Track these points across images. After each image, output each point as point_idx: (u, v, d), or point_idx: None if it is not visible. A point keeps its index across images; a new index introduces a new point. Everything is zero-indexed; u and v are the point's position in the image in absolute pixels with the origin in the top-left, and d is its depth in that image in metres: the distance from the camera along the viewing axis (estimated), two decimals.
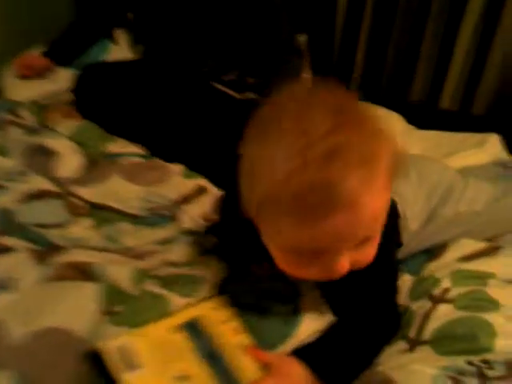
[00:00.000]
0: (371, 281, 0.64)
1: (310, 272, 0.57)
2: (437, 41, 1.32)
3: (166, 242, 0.84)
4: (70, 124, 1.09)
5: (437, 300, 0.68)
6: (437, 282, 0.70)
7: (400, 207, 0.75)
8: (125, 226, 0.87)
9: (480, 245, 0.77)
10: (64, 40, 1.27)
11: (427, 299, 0.68)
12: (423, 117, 1.28)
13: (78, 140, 1.06)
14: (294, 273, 0.59)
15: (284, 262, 0.58)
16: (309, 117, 0.50)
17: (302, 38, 1.30)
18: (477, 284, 0.69)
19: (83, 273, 0.70)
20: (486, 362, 0.60)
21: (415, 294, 0.71)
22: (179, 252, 0.79)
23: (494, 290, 0.68)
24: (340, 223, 0.50)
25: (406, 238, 0.75)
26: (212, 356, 0.58)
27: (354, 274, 0.58)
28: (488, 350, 0.61)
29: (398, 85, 1.40)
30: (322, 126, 0.49)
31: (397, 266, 0.72)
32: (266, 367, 0.58)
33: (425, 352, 0.62)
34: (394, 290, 0.68)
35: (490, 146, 1.15)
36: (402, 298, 0.71)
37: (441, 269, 0.73)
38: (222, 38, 1.17)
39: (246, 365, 0.58)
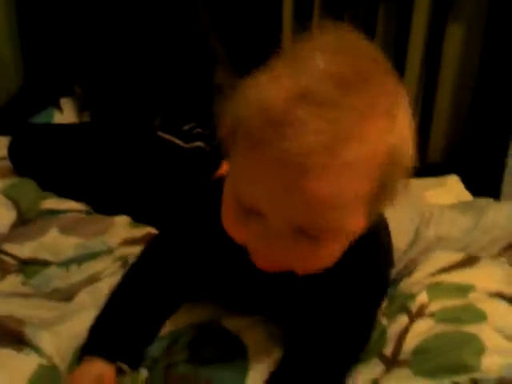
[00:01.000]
0: (356, 299, 0.57)
1: (244, 232, 0.50)
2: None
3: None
4: (4, 180, 1.02)
5: (414, 315, 0.60)
6: (412, 296, 0.63)
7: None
8: (54, 270, 0.79)
9: (457, 256, 0.70)
10: (10, 108, 1.26)
11: (404, 315, 0.60)
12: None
13: (13, 196, 0.98)
14: (230, 230, 0.52)
15: (226, 214, 0.51)
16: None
17: None
18: (457, 297, 0.61)
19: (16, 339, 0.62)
20: (474, 382, 0.52)
21: (390, 311, 0.63)
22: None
23: (477, 302, 0.60)
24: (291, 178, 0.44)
25: (396, 257, 0.67)
26: None
27: (339, 288, 0.54)
28: (476, 368, 0.52)
29: None
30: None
31: (386, 289, 0.63)
32: None
33: (403, 373, 0.54)
34: (375, 313, 0.60)
35: (452, 187, 1.13)
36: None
37: (415, 284, 0.66)
38: (166, 94, 1.18)
39: None
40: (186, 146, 1.08)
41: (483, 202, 0.94)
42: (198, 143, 1.09)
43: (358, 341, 0.58)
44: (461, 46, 1.28)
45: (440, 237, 0.77)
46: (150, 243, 0.70)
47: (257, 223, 0.49)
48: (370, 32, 1.29)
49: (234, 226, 0.52)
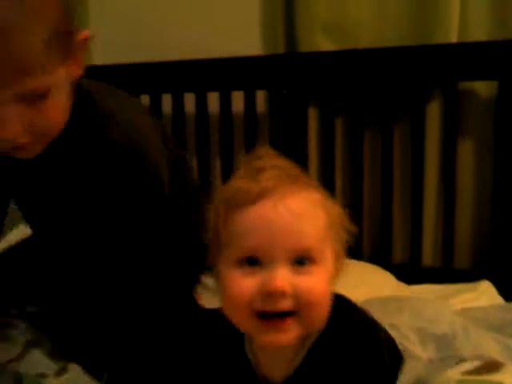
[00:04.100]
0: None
1: (246, 284, 0.58)
2: (407, 208, 1.41)
3: None
4: None
5: None
6: None
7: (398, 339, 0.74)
8: None
9: (478, 362, 0.72)
10: None
11: None
12: (409, 275, 1.30)
13: None
14: (234, 291, 0.59)
15: (229, 281, 0.60)
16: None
17: None
18: None
19: None
20: None
21: None
22: None
23: None
24: (267, 211, 0.59)
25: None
26: None
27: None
28: None
29: (379, 248, 1.44)
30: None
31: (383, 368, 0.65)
32: None
33: None
34: None
35: (485, 291, 1.16)
36: None
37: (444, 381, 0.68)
38: None
39: None
40: None
41: None
42: None
43: None
44: (473, 157, 1.37)
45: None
46: None
47: (259, 274, 0.59)
48: (387, 153, 1.40)
49: (238, 287, 0.60)
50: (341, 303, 0.65)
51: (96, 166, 0.76)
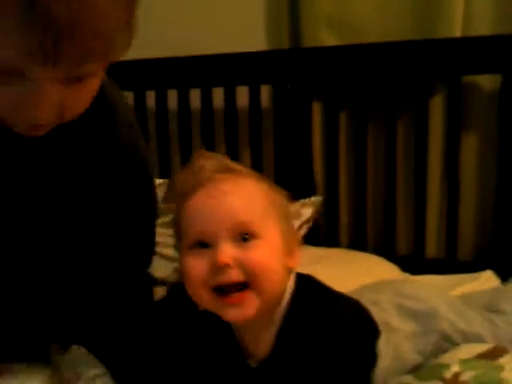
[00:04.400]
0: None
1: (198, 265, 0.65)
2: (410, 201, 1.42)
3: None
4: None
5: (450, 382, 0.64)
6: (446, 366, 0.67)
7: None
8: None
9: (484, 346, 0.74)
10: None
11: (438, 381, 0.65)
12: (413, 267, 1.31)
13: None
14: (190, 272, 0.66)
15: (184, 265, 0.67)
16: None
17: None
18: (489, 369, 0.66)
19: None
20: None
21: (423, 375, 0.68)
22: None
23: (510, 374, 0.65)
24: (203, 198, 0.66)
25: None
26: None
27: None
28: None
29: (384, 240, 1.45)
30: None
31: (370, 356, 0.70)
32: None
33: None
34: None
35: (487, 281, 1.18)
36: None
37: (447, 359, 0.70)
38: None
39: None
40: None
41: None
42: None
43: None
44: (476, 150, 1.38)
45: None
46: None
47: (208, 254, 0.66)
48: (391, 146, 1.41)
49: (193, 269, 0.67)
50: (305, 280, 0.71)
51: (98, 158, 0.76)
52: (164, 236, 1.38)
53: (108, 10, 0.52)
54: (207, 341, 0.75)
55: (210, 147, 1.61)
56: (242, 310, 0.64)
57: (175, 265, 1.13)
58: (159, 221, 1.40)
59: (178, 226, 0.71)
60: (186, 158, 1.68)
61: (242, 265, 0.64)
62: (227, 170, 0.70)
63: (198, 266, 0.65)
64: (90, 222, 0.78)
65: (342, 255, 1.38)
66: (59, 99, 0.57)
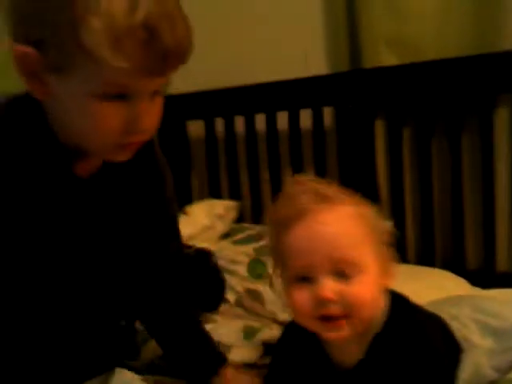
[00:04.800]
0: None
1: (303, 299, 0.70)
2: (478, 215, 1.41)
3: None
4: None
5: None
6: None
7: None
8: None
9: None
10: None
11: None
12: (483, 281, 1.30)
13: None
14: (297, 304, 0.72)
15: (292, 297, 0.72)
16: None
17: None
18: None
19: None
20: None
21: None
22: None
23: None
24: (303, 232, 0.69)
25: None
26: None
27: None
28: None
29: (452, 255, 1.45)
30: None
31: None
32: None
33: None
34: None
35: None
36: None
37: None
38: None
39: None
40: None
41: None
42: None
43: None
44: None
45: None
46: None
47: (309, 289, 0.71)
48: (456, 160, 1.42)
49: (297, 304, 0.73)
50: (396, 299, 0.76)
51: (142, 180, 0.87)
52: (238, 253, 1.46)
53: (190, 36, 0.68)
54: (297, 349, 0.81)
55: (276, 168, 1.68)
56: (339, 333, 0.71)
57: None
58: (233, 238, 1.51)
59: (277, 255, 0.75)
60: (251, 182, 1.75)
61: (343, 299, 0.69)
62: (323, 199, 0.71)
63: (302, 299, 0.71)
64: (132, 234, 0.90)
65: (410, 271, 1.38)
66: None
